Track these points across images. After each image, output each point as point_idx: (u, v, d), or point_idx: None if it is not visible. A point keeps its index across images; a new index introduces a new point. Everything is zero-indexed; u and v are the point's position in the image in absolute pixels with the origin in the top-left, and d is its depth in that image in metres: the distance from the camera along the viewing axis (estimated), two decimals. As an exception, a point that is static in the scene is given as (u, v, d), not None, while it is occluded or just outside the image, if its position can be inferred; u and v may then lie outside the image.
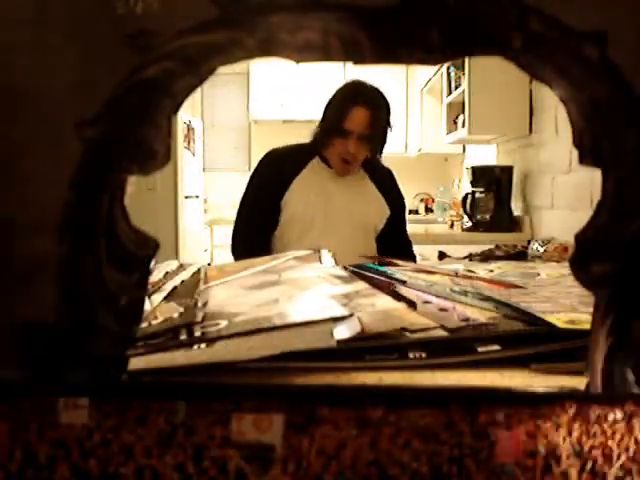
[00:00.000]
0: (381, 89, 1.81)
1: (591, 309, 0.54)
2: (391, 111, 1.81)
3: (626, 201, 0.50)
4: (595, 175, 0.52)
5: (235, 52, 0.54)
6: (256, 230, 1.82)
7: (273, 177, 1.81)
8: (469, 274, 1.08)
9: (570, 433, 0.48)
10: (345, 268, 1.14)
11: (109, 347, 0.52)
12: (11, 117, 0.50)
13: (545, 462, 0.48)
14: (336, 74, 4.57)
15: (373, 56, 0.55)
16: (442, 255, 1.74)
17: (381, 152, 1.86)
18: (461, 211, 3.45)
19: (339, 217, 1.80)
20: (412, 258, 1.89)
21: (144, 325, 0.69)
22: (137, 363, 0.58)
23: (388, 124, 1.81)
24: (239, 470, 0.49)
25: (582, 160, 0.53)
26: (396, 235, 1.94)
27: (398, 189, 1.99)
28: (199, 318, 0.72)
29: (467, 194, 3.26)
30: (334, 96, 1.82)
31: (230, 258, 1.78)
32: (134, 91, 0.50)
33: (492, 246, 1.74)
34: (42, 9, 0.50)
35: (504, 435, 0.48)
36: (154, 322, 0.72)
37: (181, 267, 1.14)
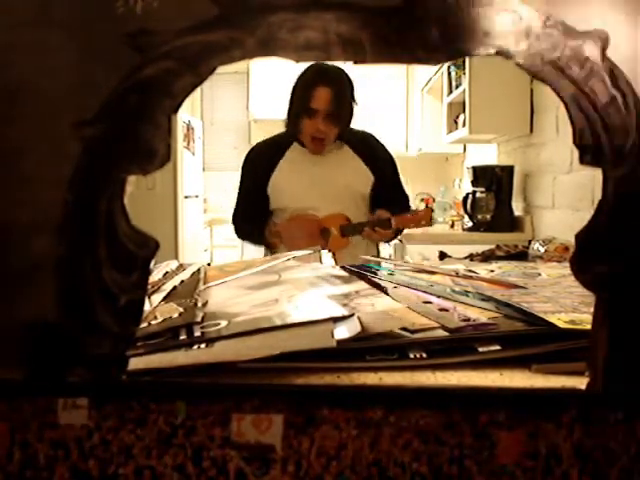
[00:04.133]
0: (347, 73, 1.93)
1: (592, 309, 0.53)
2: (354, 87, 1.90)
3: (626, 201, 0.50)
4: (596, 175, 0.52)
5: (235, 52, 0.54)
6: (251, 218, 2.02)
7: (257, 168, 1.99)
8: (470, 274, 1.08)
9: (571, 433, 0.48)
10: (344, 268, 1.13)
11: (109, 347, 0.52)
12: (11, 117, 0.49)
13: (546, 463, 0.48)
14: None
15: (373, 56, 0.55)
16: (443, 255, 1.74)
17: (348, 126, 1.95)
18: (462, 211, 3.44)
19: (325, 192, 1.92)
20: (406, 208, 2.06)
21: (144, 325, 0.69)
22: (137, 363, 0.58)
23: (352, 99, 1.90)
24: (239, 470, 0.49)
25: (582, 160, 0.53)
26: (393, 191, 2.04)
27: (381, 150, 2.04)
28: (199, 318, 0.72)
29: (468, 194, 3.26)
30: (298, 80, 1.92)
31: (229, 258, 1.83)
32: (134, 91, 0.50)
33: (493, 246, 1.73)
34: (42, 9, 0.50)
35: (505, 436, 0.48)
36: (154, 322, 0.72)
37: (181, 267, 1.14)
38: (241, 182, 2.05)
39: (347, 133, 1.97)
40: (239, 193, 2.07)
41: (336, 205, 1.93)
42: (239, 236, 2.13)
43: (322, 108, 1.83)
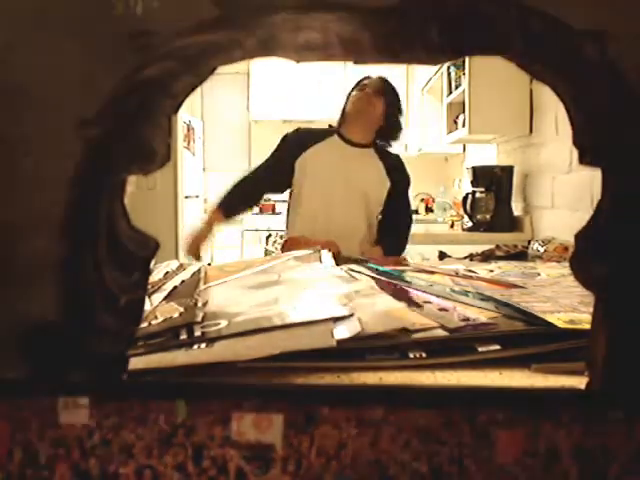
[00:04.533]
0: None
1: (591, 309, 0.54)
2: (400, 100, 2.24)
3: (626, 201, 0.50)
4: (596, 175, 0.52)
5: (235, 52, 0.54)
6: (263, 180, 2.20)
7: (293, 142, 2.21)
8: (469, 274, 1.08)
9: (570, 433, 0.48)
10: (347, 263, 1.13)
11: (109, 347, 0.52)
12: (11, 117, 0.50)
13: (545, 462, 0.48)
14: (336, 74, 4.57)
15: (373, 55, 0.55)
16: (442, 255, 1.74)
17: (395, 136, 2.21)
18: (461, 211, 3.44)
19: (341, 180, 2.14)
20: (402, 238, 2.22)
21: (144, 325, 0.69)
22: (137, 363, 0.58)
23: (399, 108, 2.22)
24: (239, 470, 0.49)
25: (582, 160, 0.53)
26: (397, 211, 2.22)
27: (404, 172, 2.27)
28: (199, 318, 0.72)
29: (467, 194, 3.25)
30: None
31: (229, 258, 1.83)
32: (134, 91, 0.50)
33: (492, 246, 1.74)
34: (42, 9, 0.50)
35: (504, 435, 0.48)
36: (154, 322, 0.72)
37: (181, 267, 1.14)
38: (273, 152, 2.24)
39: (384, 150, 2.20)
40: (267, 158, 2.23)
41: (345, 195, 2.12)
42: (231, 190, 2.18)
43: (370, 85, 2.15)
